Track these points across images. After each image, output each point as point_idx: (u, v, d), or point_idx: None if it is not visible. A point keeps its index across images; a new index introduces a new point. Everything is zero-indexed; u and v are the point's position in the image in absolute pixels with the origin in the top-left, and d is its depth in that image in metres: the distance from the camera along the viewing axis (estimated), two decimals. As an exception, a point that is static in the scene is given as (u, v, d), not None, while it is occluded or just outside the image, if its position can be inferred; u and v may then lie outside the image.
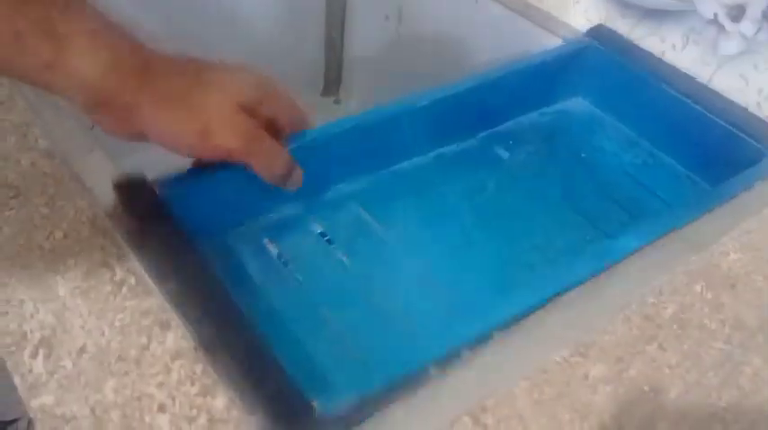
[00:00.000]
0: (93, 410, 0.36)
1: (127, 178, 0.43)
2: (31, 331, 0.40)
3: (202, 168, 0.45)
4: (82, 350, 0.39)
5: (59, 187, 0.47)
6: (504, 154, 0.64)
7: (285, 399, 0.34)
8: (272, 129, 0.44)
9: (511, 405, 0.37)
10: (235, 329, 0.37)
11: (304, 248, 0.51)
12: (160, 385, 0.38)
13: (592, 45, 0.66)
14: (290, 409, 0.34)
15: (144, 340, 0.40)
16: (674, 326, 0.42)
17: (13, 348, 0.39)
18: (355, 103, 0.93)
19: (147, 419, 0.36)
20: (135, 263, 0.42)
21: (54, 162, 0.49)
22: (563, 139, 0.66)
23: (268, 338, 0.36)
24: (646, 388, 0.39)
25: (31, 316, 0.41)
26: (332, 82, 0.92)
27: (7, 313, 0.41)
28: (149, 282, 0.41)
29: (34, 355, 0.39)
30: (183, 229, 0.41)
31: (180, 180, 0.44)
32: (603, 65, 0.66)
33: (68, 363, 0.38)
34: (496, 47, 0.73)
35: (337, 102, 0.94)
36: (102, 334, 0.40)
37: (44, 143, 0.50)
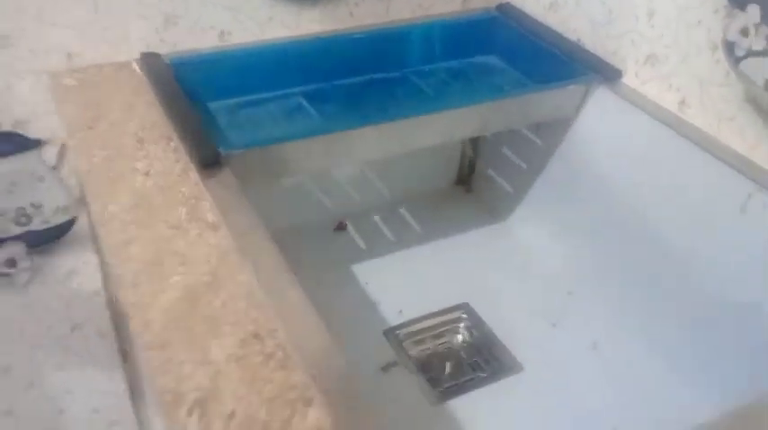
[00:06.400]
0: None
1: (149, 53, 0.86)
2: (188, 391, 0.46)
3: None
4: (231, 416, 0.45)
5: (222, 258, 0.56)
6: (419, 81, 0.94)
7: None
8: None
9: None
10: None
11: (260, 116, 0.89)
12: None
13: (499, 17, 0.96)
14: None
15: (288, 412, 0.45)
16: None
17: (171, 404, 0.44)
18: (486, 193, 1.18)
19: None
20: (283, 335, 0.49)
21: (218, 234, 0.59)
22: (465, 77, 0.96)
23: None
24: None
25: (189, 377, 0.46)
26: (465, 173, 1.21)
27: (169, 372, 0.47)
28: (296, 358, 0.48)
29: (190, 414, 0.45)
30: (182, 91, 0.79)
31: (185, 58, 0.88)
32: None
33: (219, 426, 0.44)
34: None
35: (469, 191, 1.21)
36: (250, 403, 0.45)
37: (211, 216, 0.61)
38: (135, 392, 1.17)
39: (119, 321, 1.09)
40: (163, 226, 0.62)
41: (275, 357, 0.50)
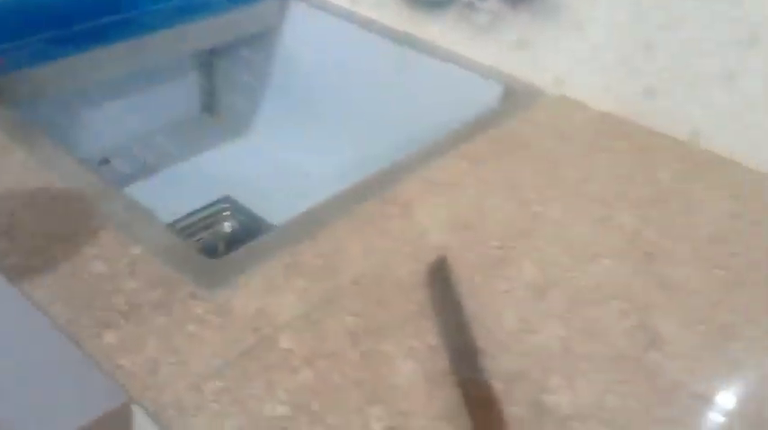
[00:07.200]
0: None
1: None
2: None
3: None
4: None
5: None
6: (146, 17, 1.10)
7: None
8: None
9: None
10: None
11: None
12: None
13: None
14: None
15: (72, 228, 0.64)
16: None
17: None
18: (230, 114, 1.38)
19: None
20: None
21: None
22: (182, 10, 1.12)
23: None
24: None
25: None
26: (208, 100, 1.40)
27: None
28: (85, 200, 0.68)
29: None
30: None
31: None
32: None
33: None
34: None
35: (214, 115, 1.40)
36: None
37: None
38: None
39: None
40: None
41: (68, 203, 0.66)
